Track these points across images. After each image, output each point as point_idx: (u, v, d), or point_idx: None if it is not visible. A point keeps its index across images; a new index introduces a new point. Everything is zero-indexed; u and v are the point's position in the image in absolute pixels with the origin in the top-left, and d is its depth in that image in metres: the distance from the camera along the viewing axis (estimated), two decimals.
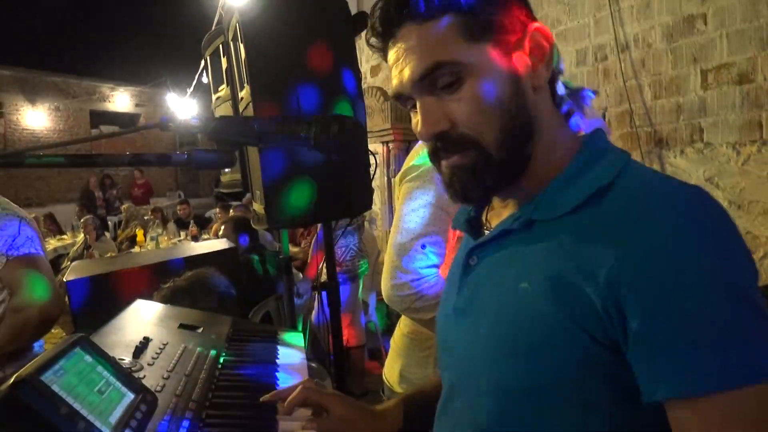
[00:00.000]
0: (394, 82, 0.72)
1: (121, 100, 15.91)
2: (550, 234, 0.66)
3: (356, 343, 3.95)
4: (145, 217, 9.01)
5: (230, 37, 1.93)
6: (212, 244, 3.03)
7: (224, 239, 3.37)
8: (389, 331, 5.07)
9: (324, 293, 1.96)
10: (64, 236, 9.01)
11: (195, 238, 6.94)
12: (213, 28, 3.10)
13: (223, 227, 4.05)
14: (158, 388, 0.78)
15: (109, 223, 10.37)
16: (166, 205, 10.90)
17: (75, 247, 7.53)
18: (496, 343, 0.68)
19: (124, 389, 0.68)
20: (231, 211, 6.48)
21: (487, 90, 0.66)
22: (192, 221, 8.13)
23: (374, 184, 2.04)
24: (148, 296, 1.80)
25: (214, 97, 2.34)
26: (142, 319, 1.10)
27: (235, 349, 1.07)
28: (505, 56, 0.68)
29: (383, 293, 1.40)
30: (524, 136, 0.69)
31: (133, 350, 0.90)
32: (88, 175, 11.91)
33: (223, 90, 2.23)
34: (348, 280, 3.69)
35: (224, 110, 2.23)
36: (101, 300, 2.14)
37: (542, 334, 0.62)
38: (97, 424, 0.59)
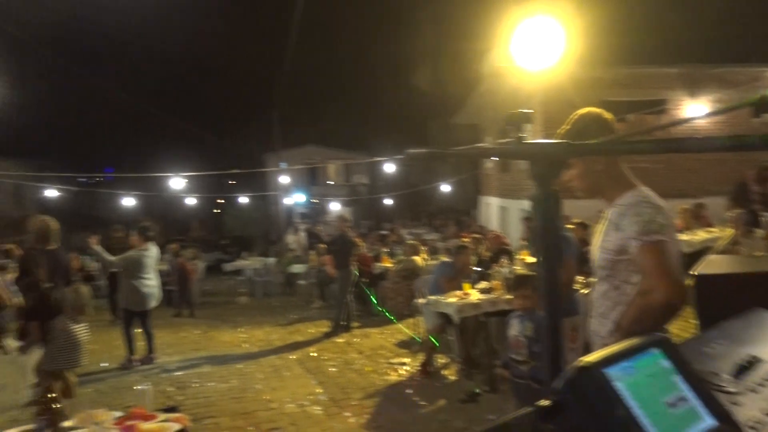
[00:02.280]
0: None
1: None
2: None
3: None
4: None
5: None
6: None
7: None
8: None
9: None
10: (713, 229, 8.96)
11: None
12: None
13: None
14: (752, 424, 0.63)
15: (762, 219, 9.53)
16: None
17: (721, 241, 7.35)
18: None
19: (702, 411, 0.58)
20: None
21: None
22: None
23: None
24: None
25: None
26: (758, 334, 0.93)
27: None
28: None
29: None
30: None
31: (735, 368, 0.77)
32: (745, 168, 11.28)
33: None
34: None
35: None
36: (728, 300, 1.94)
37: None
38: None
